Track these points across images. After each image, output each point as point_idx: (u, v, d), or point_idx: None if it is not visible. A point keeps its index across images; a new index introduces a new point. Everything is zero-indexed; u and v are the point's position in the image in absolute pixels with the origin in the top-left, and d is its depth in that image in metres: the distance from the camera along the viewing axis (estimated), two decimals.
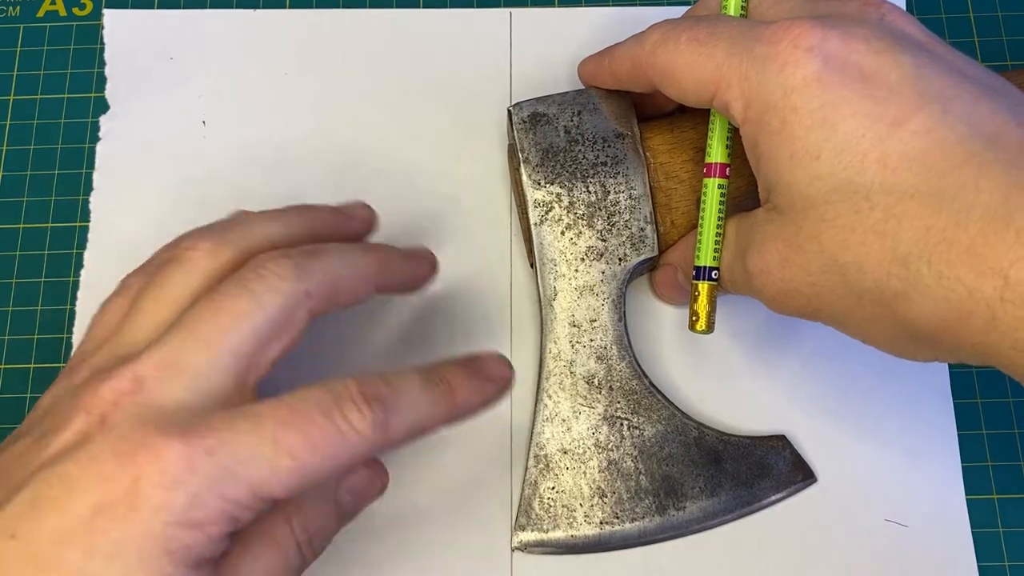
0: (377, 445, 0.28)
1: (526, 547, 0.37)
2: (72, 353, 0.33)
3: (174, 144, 0.44)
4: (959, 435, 0.40)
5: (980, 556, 0.38)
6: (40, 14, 0.46)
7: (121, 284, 0.33)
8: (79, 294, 0.42)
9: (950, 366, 0.41)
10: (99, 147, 0.44)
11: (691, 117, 0.39)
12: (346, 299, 0.32)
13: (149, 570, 0.25)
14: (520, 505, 0.37)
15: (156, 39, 0.45)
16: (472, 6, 0.46)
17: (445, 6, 0.46)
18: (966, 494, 0.39)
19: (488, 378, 0.32)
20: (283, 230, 0.33)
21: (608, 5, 0.46)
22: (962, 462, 0.40)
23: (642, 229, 0.38)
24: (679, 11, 0.45)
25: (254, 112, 0.44)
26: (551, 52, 0.45)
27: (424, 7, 0.46)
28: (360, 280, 0.32)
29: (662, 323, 0.41)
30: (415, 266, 0.36)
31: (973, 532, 0.39)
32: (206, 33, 0.45)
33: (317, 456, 0.27)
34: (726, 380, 0.41)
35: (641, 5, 0.46)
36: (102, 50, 0.45)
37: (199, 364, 0.27)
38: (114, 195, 0.43)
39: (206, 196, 0.43)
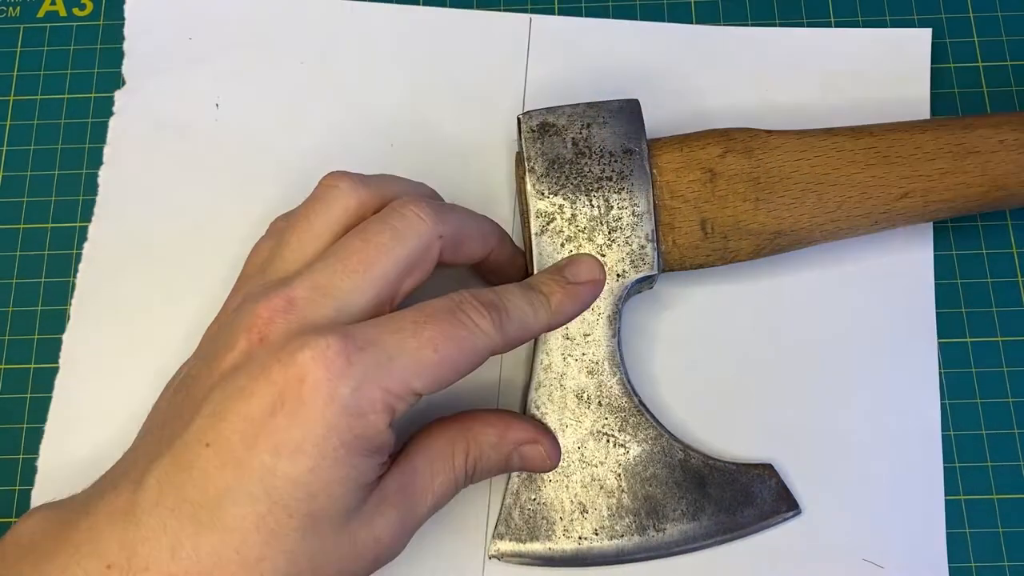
0: (498, 343, 0.32)
1: (503, 556, 0.37)
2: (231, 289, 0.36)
3: (186, 124, 0.44)
4: (959, 435, 0.40)
5: (979, 556, 0.39)
6: (40, 14, 0.47)
7: (269, 228, 0.37)
8: (81, 267, 0.42)
9: (947, 366, 0.41)
10: (112, 121, 0.44)
11: (702, 137, 0.38)
12: (466, 253, 0.35)
13: (331, 461, 0.28)
14: (500, 514, 0.37)
15: (177, 18, 0.45)
16: (499, 8, 0.46)
17: (471, 6, 0.46)
18: (966, 493, 0.39)
19: (580, 282, 0.36)
20: (412, 190, 0.36)
21: (635, 17, 0.46)
22: (962, 462, 0.40)
23: (643, 247, 0.37)
24: (708, 28, 0.45)
25: (268, 98, 0.44)
26: (568, 62, 0.44)
27: (450, 6, 0.46)
28: (481, 239, 0.36)
29: (656, 342, 0.41)
30: (516, 252, 0.39)
31: (972, 532, 0.39)
32: (227, 16, 0.45)
33: (454, 348, 0.30)
34: (717, 404, 0.40)
35: (669, 21, 0.46)
36: (102, 50, 0.45)
37: (346, 288, 0.30)
38: (123, 170, 0.43)
39: (214, 177, 0.43)
